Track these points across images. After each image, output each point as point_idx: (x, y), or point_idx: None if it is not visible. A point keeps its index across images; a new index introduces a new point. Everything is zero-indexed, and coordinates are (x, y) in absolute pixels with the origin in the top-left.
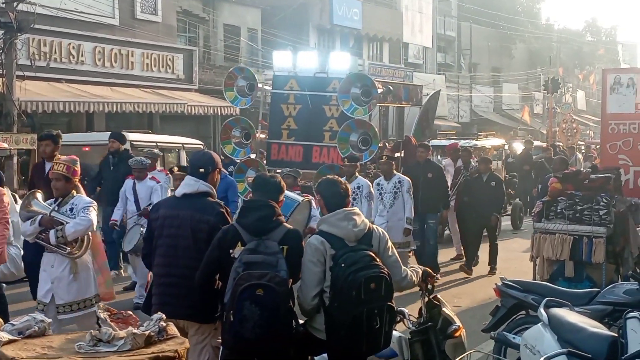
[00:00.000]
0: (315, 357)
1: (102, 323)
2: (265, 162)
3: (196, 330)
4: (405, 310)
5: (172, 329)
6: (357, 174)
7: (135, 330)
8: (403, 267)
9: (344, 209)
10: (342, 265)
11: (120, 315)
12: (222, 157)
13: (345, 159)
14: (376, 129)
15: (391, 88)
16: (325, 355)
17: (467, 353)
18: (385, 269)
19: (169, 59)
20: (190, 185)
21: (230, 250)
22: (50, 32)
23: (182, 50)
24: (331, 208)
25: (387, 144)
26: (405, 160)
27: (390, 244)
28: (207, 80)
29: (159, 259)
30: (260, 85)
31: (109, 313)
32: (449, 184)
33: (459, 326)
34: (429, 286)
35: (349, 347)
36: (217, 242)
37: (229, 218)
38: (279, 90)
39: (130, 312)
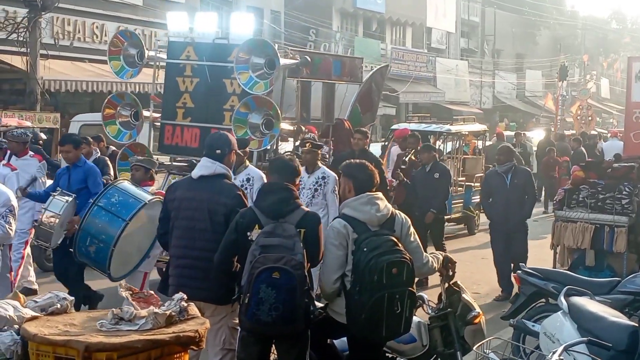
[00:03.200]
0: (334, 341)
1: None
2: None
3: (213, 312)
4: (425, 295)
5: (193, 309)
6: (247, 162)
7: (156, 310)
8: (424, 253)
9: (367, 193)
10: (365, 249)
11: (142, 295)
12: (83, 140)
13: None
14: (278, 109)
15: (309, 59)
16: (345, 338)
17: (486, 340)
18: (407, 255)
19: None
20: (206, 167)
21: (248, 233)
22: (74, 12)
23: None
24: (360, 191)
25: (304, 129)
26: (336, 148)
27: (412, 229)
28: None
29: (175, 241)
30: (152, 52)
31: (131, 292)
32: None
33: (478, 313)
34: (449, 272)
35: (369, 331)
36: (235, 225)
37: (246, 201)
38: (174, 60)
39: (152, 292)
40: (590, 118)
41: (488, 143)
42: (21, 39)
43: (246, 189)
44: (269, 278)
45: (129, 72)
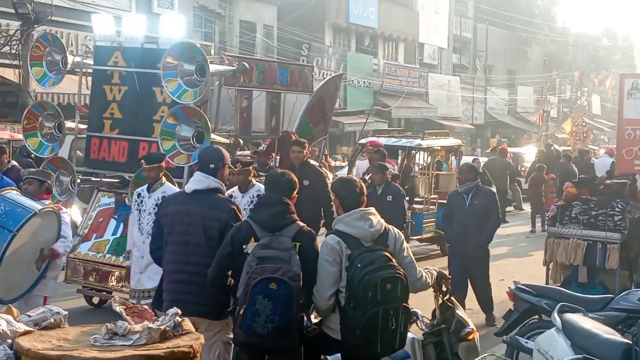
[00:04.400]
0: (328, 357)
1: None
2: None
3: (207, 327)
4: (419, 311)
5: (188, 324)
6: (163, 179)
7: (150, 325)
8: (418, 269)
9: (360, 208)
10: (358, 265)
11: (136, 309)
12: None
13: (144, 161)
14: (208, 120)
15: (247, 65)
16: (339, 355)
17: (480, 357)
18: (401, 270)
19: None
20: (200, 181)
21: (244, 246)
22: (67, 24)
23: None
24: (347, 208)
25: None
26: (282, 163)
27: (405, 244)
28: None
29: (169, 256)
30: (78, 58)
31: (125, 307)
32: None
33: (472, 329)
34: (443, 288)
35: (364, 347)
36: (230, 237)
37: (240, 215)
38: (101, 66)
39: (146, 307)
40: (585, 135)
41: (463, 159)
42: (14, 51)
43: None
44: (266, 289)
45: (51, 79)
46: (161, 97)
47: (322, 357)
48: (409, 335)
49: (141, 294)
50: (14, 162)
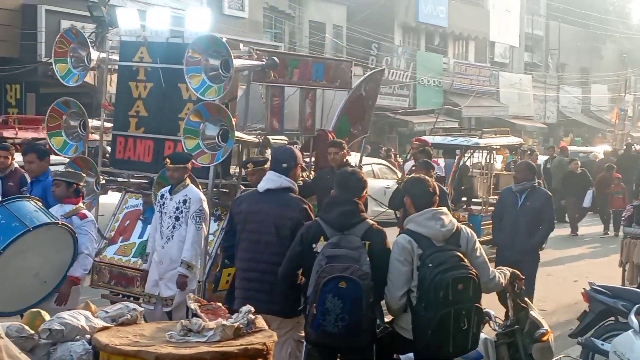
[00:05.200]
0: (401, 356)
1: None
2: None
3: (278, 325)
4: (492, 312)
5: (260, 322)
6: (188, 180)
7: (224, 322)
8: (491, 269)
9: (432, 208)
10: (430, 265)
11: (210, 307)
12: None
13: (168, 160)
14: (232, 118)
15: (277, 60)
16: (412, 354)
17: (555, 358)
18: (474, 270)
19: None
20: (273, 180)
21: (313, 245)
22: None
23: (268, 46)
24: (419, 207)
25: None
26: (318, 163)
27: (478, 244)
28: None
29: (242, 254)
30: (104, 54)
31: (199, 304)
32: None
33: (546, 330)
34: (517, 289)
35: (436, 347)
36: (300, 237)
37: (312, 214)
38: (127, 62)
39: (220, 304)
40: None
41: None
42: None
43: (182, 211)
44: (335, 288)
45: (75, 76)
46: (187, 94)
47: (394, 356)
48: (482, 335)
49: (161, 301)
50: (17, 165)
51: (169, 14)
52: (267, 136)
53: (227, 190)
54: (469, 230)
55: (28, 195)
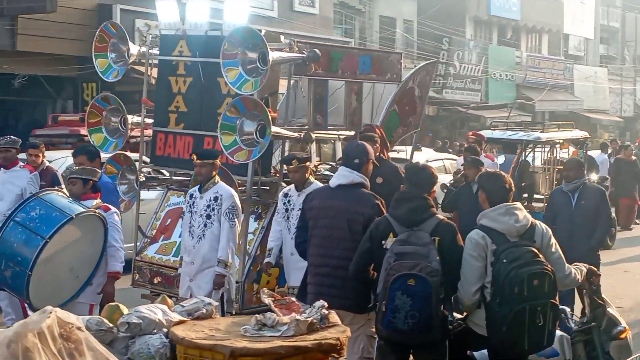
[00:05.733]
0: (475, 353)
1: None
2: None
3: (351, 320)
4: (567, 309)
5: (334, 317)
6: (217, 177)
7: (298, 317)
8: (567, 265)
9: (506, 203)
10: (504, 260)
11: (284, 302)
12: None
13: (195, 155)
14: (273, 113)
15: (318, 53)
16: (485, 351)
17: (633, 356)
18: (549, 266)
19: None
20: (345, 176)
21: (383, 242)
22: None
23: (338, 42)
24: (494, 203)
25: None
26: None
27: (554, 240)
28: None
29: (314, 249)
30: (144, 49)
31: (273, 299)
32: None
33: (624, 327)
34: (593, 285)
35: (511, 344)
36: (369, 233)
37: (384, 210)
38: (166, 56)
39: (294, 299)
40: None
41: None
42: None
43: (213, 209)
44: (404, 285)
45: (114, 71)
46: (225, 89)
47: (467, 353)
48: (558, 332)
49: None
50: (48, 163)
51: (208, 6)
52: (310, 132)
53: (267, 188)
54: (544, 225)
55: (55, 187)
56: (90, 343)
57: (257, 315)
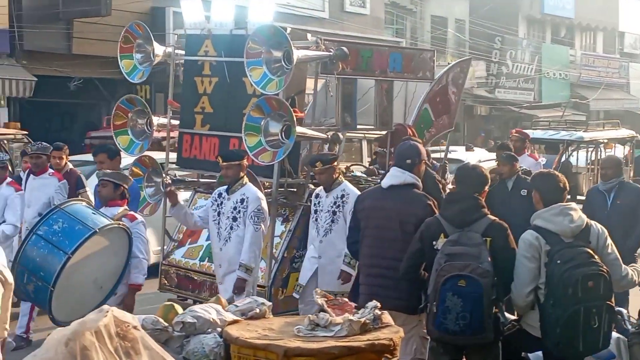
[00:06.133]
0: (529, 355)
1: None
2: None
3: (403, 321)
4: (624, 310)
5: (387, 317)
6: (246, 178)
7: (351, 317)
8: (623, 266)
9: (560, 204)
10: (558, 261)
11: (337, 302)
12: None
13: (220, 157)
14: (300, 113)
15: (346, 51)
16: (540, 353)
17: None
18: (604, 267)
19: None
20: (396, 176)
21: (433, 242)
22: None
23: (389, 42)
24: (548, 203)
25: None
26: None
27: (610, 241)
28: None
29: (365, 250)
30: (170, 49)
31: (326, 299)
32: None
33: None
34: None
35: (565, 346)
36: (420, 234)
37: (436, 210)
38: (192, 56)
39: (346, 299)
40: None
41: None
42: None
43: (239, 211)
44: (455, 286)
45: (140, 72)
46: (251, 89)
47: (522, 354)
48: (614, 335)
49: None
50: (71, 165)
51: (233, 4)
52: (338, 132)
53: (295, 190)
54: (599, 226)
55: (79, 197)
56: (146, 342)
57: (310, 315)
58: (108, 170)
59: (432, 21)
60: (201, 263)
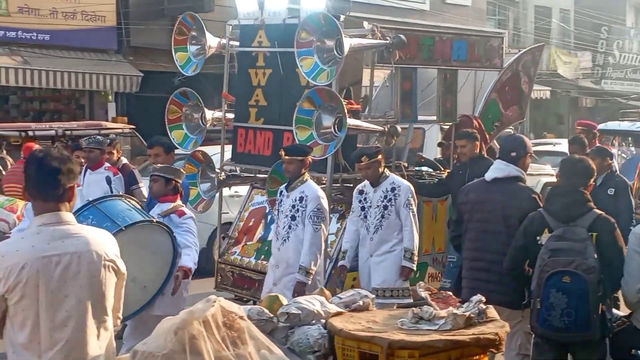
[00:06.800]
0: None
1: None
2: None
3: (507, 316)
4: None
5: (492, 312)
6: (307, 175)
7: (455, 311)
8: None
9: None
10: None
11: (441, 295)
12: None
13: (283, 151)
14: (352, 106)
15: (403, 39)
16: None
17: None
18: None
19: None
20: (500, 169)
21: (537, 238)
22: (366, 20)
23: (491, 33)
24: None
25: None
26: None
27: None
28: None
29: (469, 243)
30: (224, 40)
31: (430, 292)
32: None
33: None
34: None
35: None
36: (523, 229)
37: (540, 204)
38: (246, 47)
39: (450, 293)
40: None
41: None
42: None
43: (298, 210)
44: (559, 282)
45: (193, 65)
46: (305, 80)
47: (632, 351)
48: None
49: None
50: (125, 160)
51: None
52: (396, 125)
53: (351, 185)
54: None
55: (121, 193)
56: (252, 332)
57: (413, 309)
58: (159, 165)
59: (535, 11)
60: (257, 261)
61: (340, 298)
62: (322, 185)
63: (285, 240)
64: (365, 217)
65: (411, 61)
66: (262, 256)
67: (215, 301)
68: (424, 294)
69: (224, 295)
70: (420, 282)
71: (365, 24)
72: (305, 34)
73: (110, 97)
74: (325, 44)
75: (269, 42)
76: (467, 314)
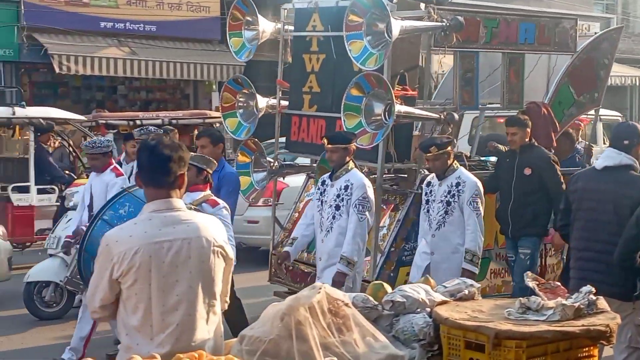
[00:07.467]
0: None
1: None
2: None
3: (617, 308)
4: None
5: (602, 303)
6: (352, 164)
7: (564, 302)
8: None
9: None
10: None
11: (549, 286)
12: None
13: (326, 139)
14: (412, 92)
15: (461, 20)
16: None
17: None
18: None
19: (585, 28)
20: (611, 157)
21: None
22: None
23: (599, 18)
24: None
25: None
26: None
27: None
28: (625, 49)
29: (577, 233)
30: (279, 25)
31: (537, 282)
32: None
33: None
34: None
35: None
36: (635, 219)
37: None
38: (300, 32)
39: (559, 283)
40: None
41: None
42: None
43: (342, 199)
44: None
45: (247, 50)
46: (357, 66)
47: None
48: None
49: None
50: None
51: None
52: (454, 112)
53: (406, 176)
54: None
55: None
56: (357, 319)
57: (520, 298)
58: (192, 154)
59: None
60: (309, 254)
61: (445, 287)
62: (374, 176)
63: (328, 231)
64: (428, 211)
65: (471, 45)
66: (314, 249)
67: (320, 288)
68: (531, 284)
69: (277, 288)
70: (528, 271)
71: (422, 5)
72: (354, 16)
73: (214, 87)
74: (377, 27)
75: (322, 25)
76: (576, 304)
